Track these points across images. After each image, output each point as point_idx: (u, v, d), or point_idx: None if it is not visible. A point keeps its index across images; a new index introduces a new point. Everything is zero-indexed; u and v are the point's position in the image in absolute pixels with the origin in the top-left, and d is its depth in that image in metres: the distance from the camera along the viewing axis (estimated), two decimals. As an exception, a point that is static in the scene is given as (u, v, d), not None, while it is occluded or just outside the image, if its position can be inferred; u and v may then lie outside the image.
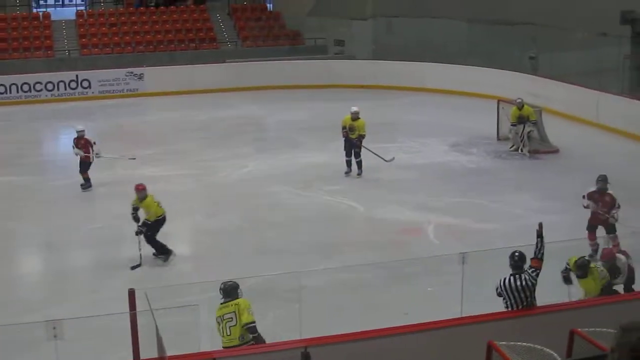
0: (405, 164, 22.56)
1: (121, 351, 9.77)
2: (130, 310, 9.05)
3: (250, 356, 9.43)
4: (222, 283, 10.75)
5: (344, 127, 21.62)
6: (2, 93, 34.25)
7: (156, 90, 34.68)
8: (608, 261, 12.59)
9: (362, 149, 21.55)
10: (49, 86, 34.67)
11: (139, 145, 25.87)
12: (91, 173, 21.26)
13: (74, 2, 44.53)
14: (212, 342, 10.39)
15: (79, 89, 34.83)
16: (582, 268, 12.06)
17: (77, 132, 20.82)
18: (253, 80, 35.33)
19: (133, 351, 9.28)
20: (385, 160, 21.92)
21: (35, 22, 39.16)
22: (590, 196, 15.58)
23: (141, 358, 9.31)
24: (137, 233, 15.81)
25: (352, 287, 14.04)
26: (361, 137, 21.44)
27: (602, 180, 15.61)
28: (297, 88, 34.59)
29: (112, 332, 11.13)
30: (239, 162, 23.51)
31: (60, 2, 45.87)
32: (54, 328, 9.19)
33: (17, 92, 34.39)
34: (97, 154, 20.67)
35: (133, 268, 15.61)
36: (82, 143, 20.61)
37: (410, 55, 34.64)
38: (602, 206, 15.42)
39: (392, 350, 9.41)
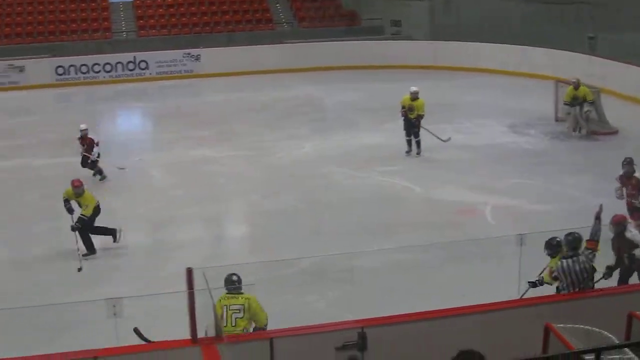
0: (463, 144, 22.44)
1: (178, 329, 9.85)
2: (188, 289, 9.11)
3: (309, 336, 9.46)
4: (231, 274, 10.68)
5: (403, 107, 21.59)
6: (61, 74, 34.73)
7: (213, 72, 34.86)
8: (617, 226, 12.41)
9: (421, 129, 21.51)
10: (107, 67, 35.09)
11: (196, 126, 26.11)
12: (147, 154, 21.46)
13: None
14: (270, 322, 10.44)
15: (137, 70, 35.21)
16: (550, 247, 11.96)
17: (80, 131, 20.61)
18: (309, 61, 35.39)
19: (190, 330, 9.35)
20: (442, 140, 21.83)
21: (93, 4, 39.50)
22: (620, 179, 15.45)
23: (198, 337, 9.37)
24: (73, 229, 15.59)
25: (407, 268, 13.99)
26: (420, 117, 21.38)
27: (628, 163, 15.45)
28: (354, 69, 34.58)
29: (168, 311, 11.22)
30: (295, 143, 23.56)
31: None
32: (114, 306, 9.33)
33: (76, 73, 34.85)
34: (98, 154, 20.48)
35: (79, 269, 15.25)
36: (87, 142, 20.46)
37: (467, 36, 34.43)
38: (631, 189, 15.25)
39: (448, 332, 9.39)
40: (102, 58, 35.23)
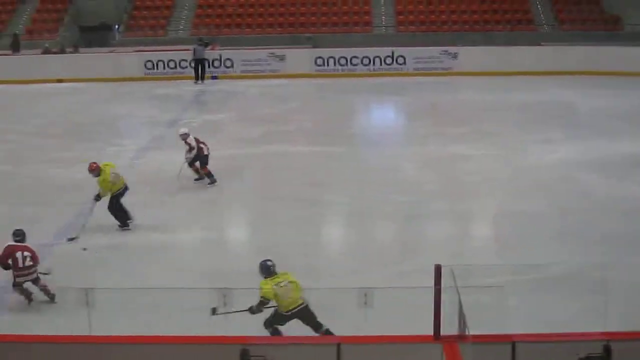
0: None
1: (421, 324, 9.99)
2: (435, 285, 9.23)
3: (552, 343, 9.39)
4: (265, 260, 11.56)
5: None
6: (319, 65, 35.76)
7: (469, 70, 34.88)
8: None
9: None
10: (365, 61, 35.83)
11: (450, 123, 26.29)
12: (401, 147, 21.70)
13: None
14: (515, 325, 10.42)
15: (394, 65, 35.71)
16: None
17: (180, 135, 19.60)
18: (567, 64, 34.75)
19: (434, 326, 9.47)
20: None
21: (356, -1, 40.44)
22: None
23: (441, 334, 9.48)
24: (96, 199, 16.64)
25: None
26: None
27: None
28: (615, 75, 33.66)
29: (414, 305, 11.38)
30: (549, 147, 23.17)
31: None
32: (365, 295, 9.63)
33: (334, 65, 35.79)
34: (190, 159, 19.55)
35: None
36: (189, 145, 19.37)
37: None
38: None
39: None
40: (361, 51, 35.98)
